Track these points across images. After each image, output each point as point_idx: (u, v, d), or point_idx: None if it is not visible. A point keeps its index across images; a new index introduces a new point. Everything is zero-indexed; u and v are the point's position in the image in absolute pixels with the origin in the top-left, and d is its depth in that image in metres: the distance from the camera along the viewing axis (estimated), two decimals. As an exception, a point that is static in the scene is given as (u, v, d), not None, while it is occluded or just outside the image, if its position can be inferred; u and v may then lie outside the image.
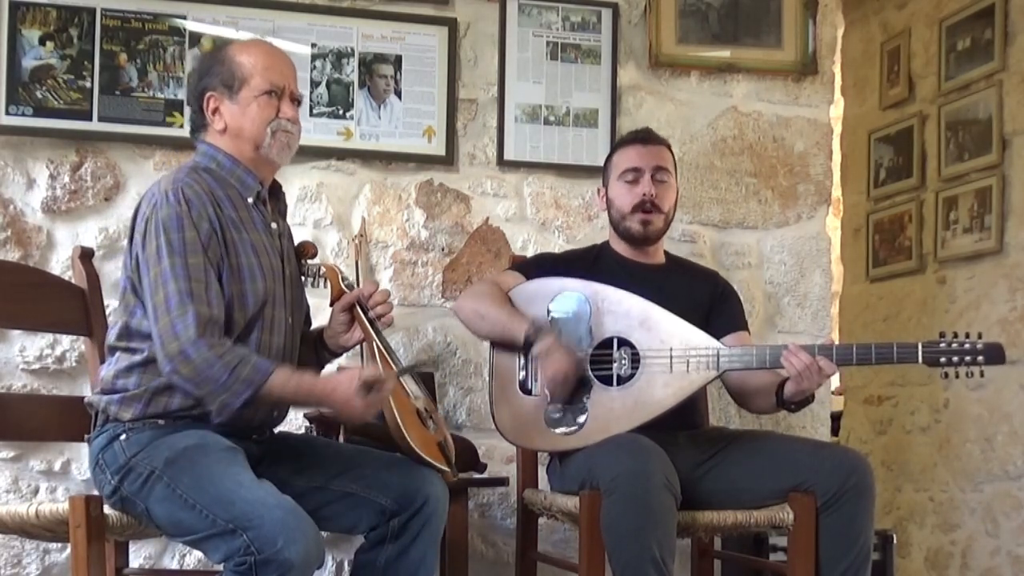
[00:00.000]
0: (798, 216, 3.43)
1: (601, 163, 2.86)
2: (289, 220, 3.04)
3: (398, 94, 3.18)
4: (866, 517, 2.43)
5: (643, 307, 2.54)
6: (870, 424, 4.48)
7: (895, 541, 3.37)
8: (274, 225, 2.28)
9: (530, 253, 3.18)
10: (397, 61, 3.18)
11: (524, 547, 2.79)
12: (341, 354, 2.42)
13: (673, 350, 2.50)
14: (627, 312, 2.54)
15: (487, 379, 2.75)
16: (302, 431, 2.86)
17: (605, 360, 2.53)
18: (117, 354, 2.17)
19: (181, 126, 2.99)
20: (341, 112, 3.15)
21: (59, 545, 2.87)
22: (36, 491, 2.95)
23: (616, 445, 2.38)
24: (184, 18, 3.06)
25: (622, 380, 2.51)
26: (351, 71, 3.16)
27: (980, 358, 2.39)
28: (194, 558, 2.97)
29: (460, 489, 2.71)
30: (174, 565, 2.99)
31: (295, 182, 3.12)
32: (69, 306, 2.48)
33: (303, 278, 2.36)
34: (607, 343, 2.54)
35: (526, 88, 3.26)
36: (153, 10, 3.04)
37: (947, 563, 3.96)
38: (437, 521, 2.22)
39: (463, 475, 2.70)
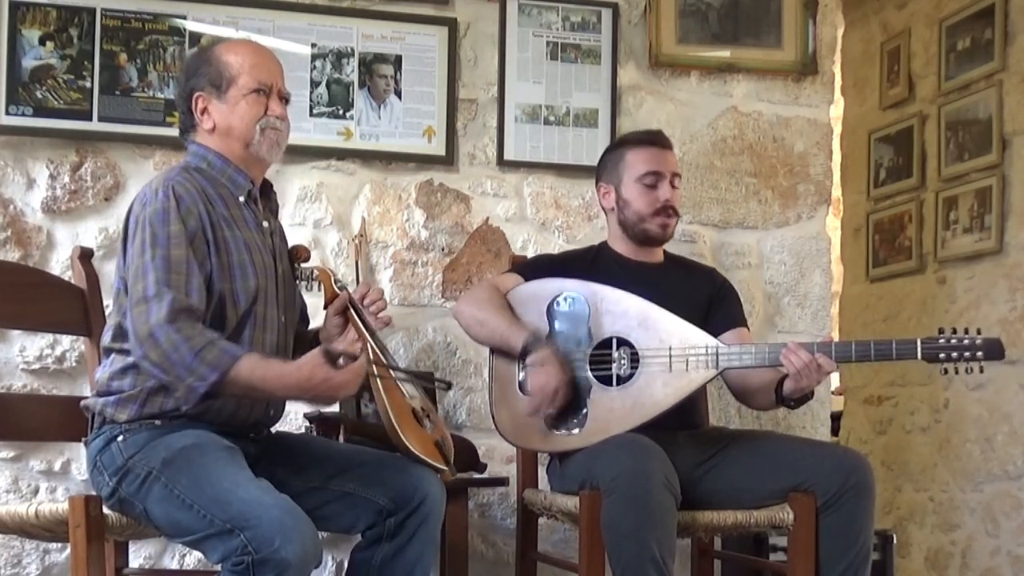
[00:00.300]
0: (798, 216, 3.43)
1: (601, 163, 2.86)
2: (289, 220, 3.08)
3: (398, 94, 3.18)
4: (866, 517, 2.43)
5: (642, 306, 2.54)
6: (870, 424, 4.48)
7: (895, 541, 3.37)
8: (266, 224, 2.28)
9: (530, 253, 3.18)
10: (397, 61, 3.18)
11: (524, 547, 2.79)
12: None
13: (672, 349, 2.50)
14: (626, 312, 2.55)
15: (487, 379, 2.75)
16: (301, 431, 2.87)
17: (604, 360, 2.53)
18: (112, 355, 2.17)
19: (181, 126, 3.00)
20: (341, 112, 3.15)
21: (59, 545, 2.87)
22: (36, 491, 2.95)
23: (616, 445, 2.38)
24: (184, 18, 3.06)
25: (621, 380, 2.51)
26: (351, 71, 3.16)
27: (979, 354, 2.39)
28: (194, 558, 2.97)
29: (460, 489, 2.71)
30: (174, 565, 2.99)
31: (295, 182, 3.12)
32: (69, 306, 2.48)
33: (297, 281, 2.37)
34: (606, 343, 2.54)
35: (526, 88, 3.26)
36: (153, 10, 3.04)
37: (947, 563, 3.95)
38: (434, 520, 2.22)
39: (463, 475, 2.70)
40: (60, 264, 2.97)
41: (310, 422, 2.78)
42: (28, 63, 2.97)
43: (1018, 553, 3.63)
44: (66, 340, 2.96)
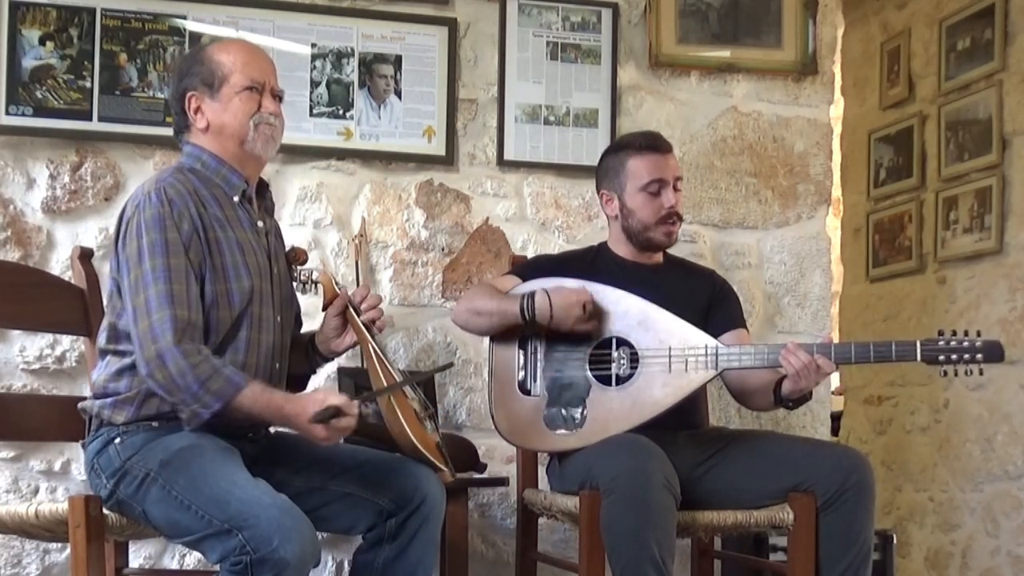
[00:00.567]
0: (798, 216, 3.43)
1: (602, 163, 2.86)
2: (289, 220, 3.08)
3: (398, 94, 3.18)
4: (866, 517, 2.43)
5: (641, 307, 2.54)
6: (870, 424, 4.48)
7: (895, 541, 3.37)
8: (260, 223, 2.28)
9: (530, 253, 3.18)
10: (397, 61, 3.18)
11: (524, 547, 2.79)
12: (332, 359, 2.41)
13: (672, 349, 2.50)
14: (625, 312, 2.54)
15: (487, 379, 2.75)
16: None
17: (604, 360, 2.53)
18: (107, 357, 2.17)
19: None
20: (341, 112, 3.15)
21: (59, 545, 2.87)
22: (36, 491, 2.95)
23: (616, 445, 2.38)
24: (184, 18, 3.06)
25: (621, 380, 2.51)
26: (351, 71, 3.16)
27: (979, 356, 2.39)
28: (194, 558, 2.97)
29: (460, 489, 2.71)
30: (174, 565, 2.99)
31: (295, 182, 3.12)
32: (69, 306, 2.48)
33: (294, 283, 2.36)
34: (606, 343, 2.54)
35: (526, 88, 3.26)
36: (153, 10, 3.05)
37: (947, 563, 3.95)
38: (435, 521, 2.22)
39: (463, 475, 2.70)
40: (60, 264, 2.97)
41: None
42: (28, 63, 2.97)
43: (1018, 553, 3.63)
44: (66, 340, 2.96)
